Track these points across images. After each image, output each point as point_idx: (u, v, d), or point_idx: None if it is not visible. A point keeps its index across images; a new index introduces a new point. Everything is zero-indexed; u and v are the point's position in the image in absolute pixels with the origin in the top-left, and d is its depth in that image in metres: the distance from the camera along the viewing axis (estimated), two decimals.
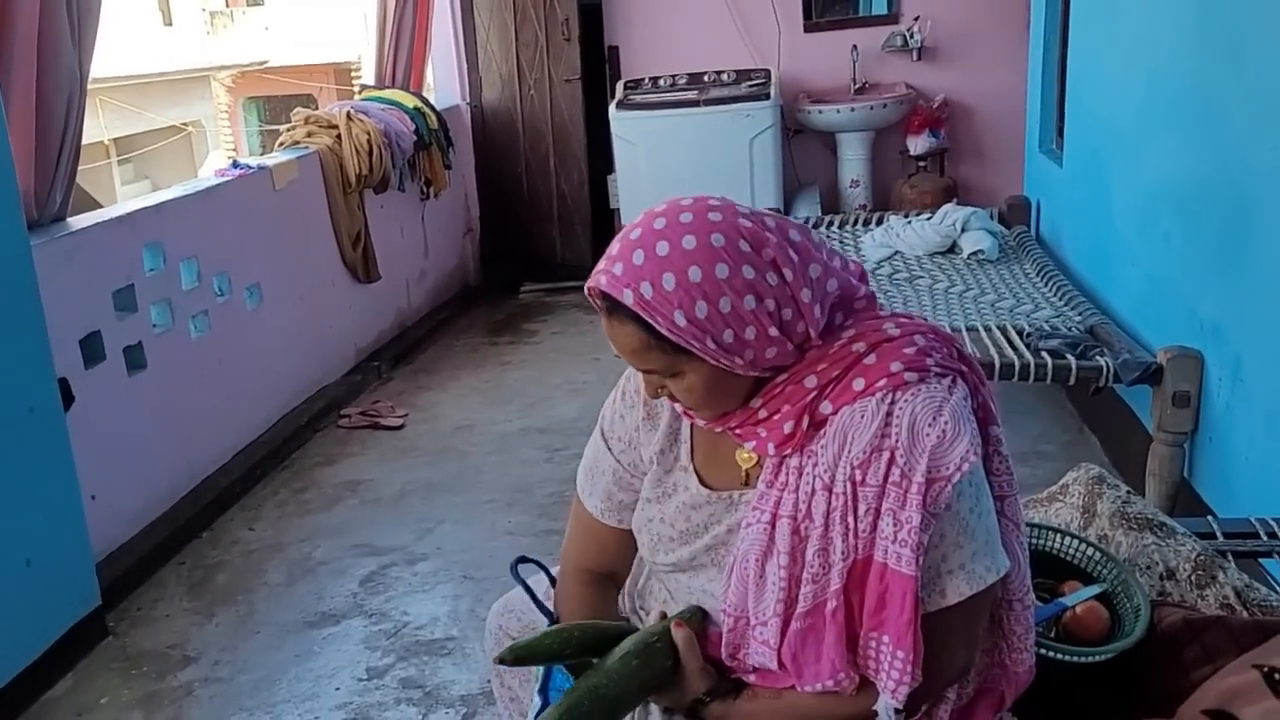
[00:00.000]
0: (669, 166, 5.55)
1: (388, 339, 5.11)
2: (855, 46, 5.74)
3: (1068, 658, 1.48)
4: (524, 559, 1.51)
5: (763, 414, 1.24)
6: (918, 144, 5.67)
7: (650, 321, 1.16)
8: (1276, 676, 1.33)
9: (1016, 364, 2.89)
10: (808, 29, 5.91)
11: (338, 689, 2.57)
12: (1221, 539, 1.85)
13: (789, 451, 1.23)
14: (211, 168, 15.30)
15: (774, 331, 1.18)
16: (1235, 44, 2.57)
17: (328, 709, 2.49)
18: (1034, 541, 1.68)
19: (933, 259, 4.21)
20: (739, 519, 1.28)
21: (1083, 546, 1.68)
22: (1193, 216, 2.83)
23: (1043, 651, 1.44)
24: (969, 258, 4.17)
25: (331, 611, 2.91)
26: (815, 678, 1.21)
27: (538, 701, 1.45)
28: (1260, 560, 1.98)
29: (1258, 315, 2.44)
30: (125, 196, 13.91)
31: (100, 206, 6.81)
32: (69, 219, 3.09)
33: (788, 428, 1.22)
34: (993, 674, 1.36)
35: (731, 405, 1.25)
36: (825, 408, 1.21)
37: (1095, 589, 1.60)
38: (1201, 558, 1.61)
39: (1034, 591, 1.41)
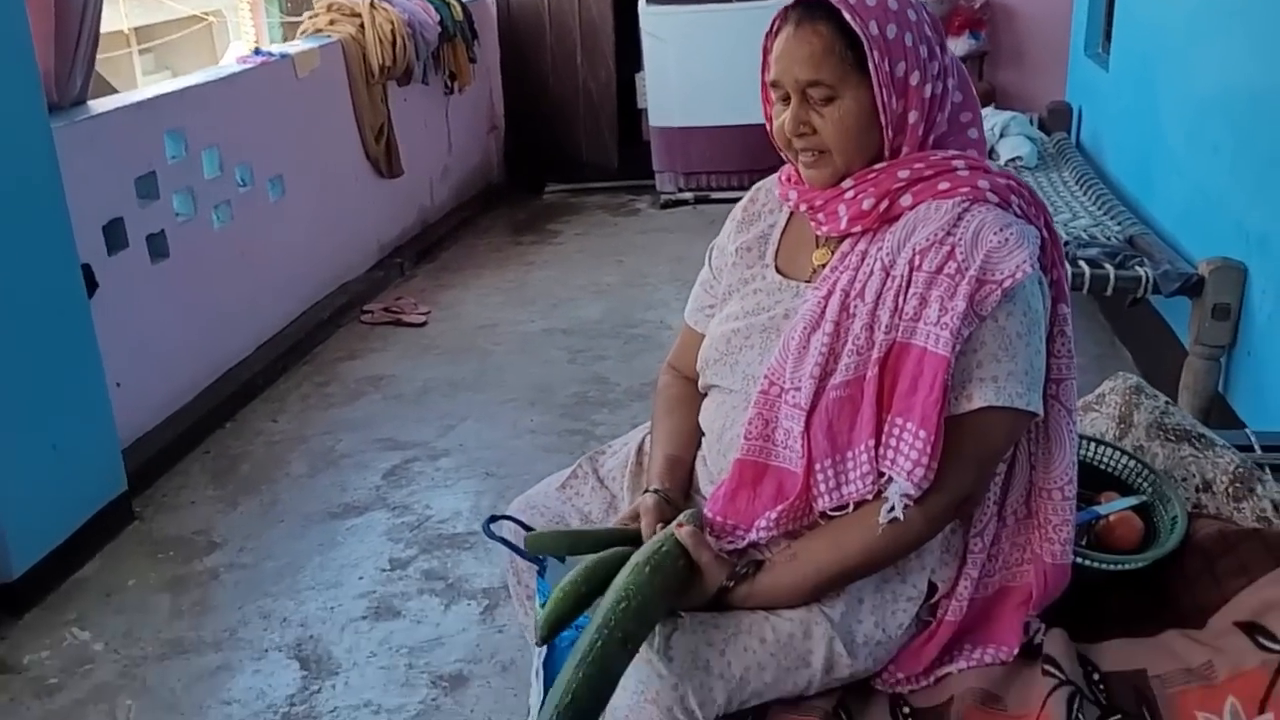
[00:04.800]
0: (699, 65, 5.41)
1: (410, 235, 5.07)
2: None
3: (1100, 565, 1.46)
4: (495, 518, 1.53)
5: (850, 193, 1.32)
6: (957, 45, 5.49)
7: (850, 19, 1.25)
8: None
9: None
10: None
11: (361, 578, 2.59)
12: (1260, 452, 1.81)
13: (859, 229, 1.32)
14: (233, 58, 15.11)
15: (927, 92, 1.28)
16: None
17: (351, 597, 2.52)
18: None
19: None
20: (798, 305, 1.35)
21: (1119, 456, 1.65)
22: (1246, 126, 2.72)
23: (1075, 559, 1.42)
24: (1006, 164, 4.06)
25: (354, 503, 2.93)
26: (848, 445, 1.25)
27: (536, 689, 1.45)
28: None
29: None
30: (141, 88, 13.74)
31: None
32: (90, 103, 3.04)
33: (866, 204, 1.30)
34: (1023, 569, 1.36)
35: (855, 161, 1.31)
36: (906, 200, 1.29)
37: (1132, 500, 1.58)
38: (1239, 470, 1.58)
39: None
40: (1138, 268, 2.82)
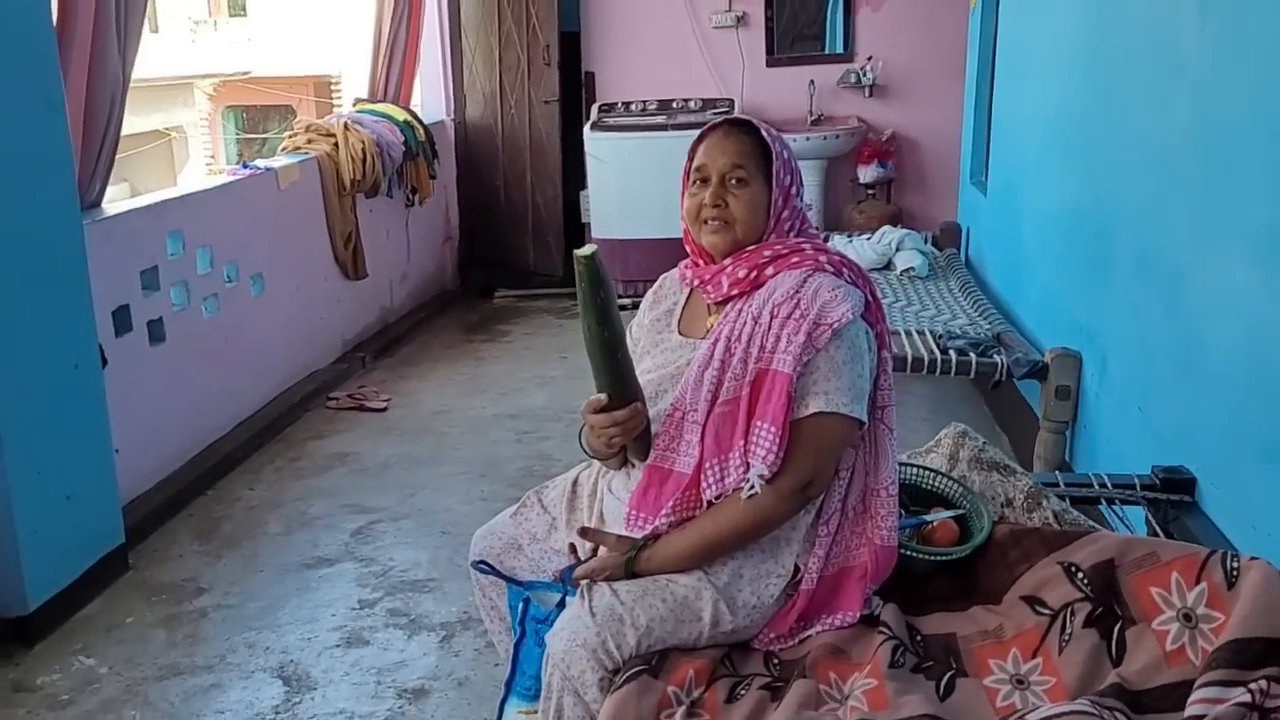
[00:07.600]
0: (637, 185, 6.01)
1: (372, 333, 5.53)
2: (813, 81, 6.26)
3: (927, 556, 1.93)
4: (477, 563, 2.04)
5: (729, 267, 1.85)
6: (867, 173, 6.18)
7: (767, 139, 1.82)
8: (1073, 569, 1.80)
9: (926, 359, 3.38)
10: (769, 64, 6.43)
11: (334, 615, 2.98)
12: (1064, 487, 2.32)
13: (736, 292, 1.82)
14: (191, 174, 15.63)
15: (797, 204, 1.87)
16: (1108, 94, 3.08)
17: (325, 630, 2.90)
18: (914, 479, 2.14)
19: (869, 274, 4.70)
20: (696, 355, 1.83)
21: (948, 482, 2.14)
22: (1074, 237, 3.33)
23: (909, 553, 1.90)
24: (901, 274, 4.66)
25: (326, 556, 3.32)
26: (729, 448, 1.74)
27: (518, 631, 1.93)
28: (1099, 506, 2.46)
29: (1119, 319, 2.93)
30: (107, 199, 14.12)
31: None
32: (103, 205, 3.51)
33: (741, 273, 1.82)
34: (860, 551, 1.83)
35: (748, 235, 1.84)
36: (769, 270, 1.81)
37: (954, 512, 2.06)
38: (1032, 489, 2.08)
39: (909, 513, 1.91)
40: (995, 356, 3.37)
